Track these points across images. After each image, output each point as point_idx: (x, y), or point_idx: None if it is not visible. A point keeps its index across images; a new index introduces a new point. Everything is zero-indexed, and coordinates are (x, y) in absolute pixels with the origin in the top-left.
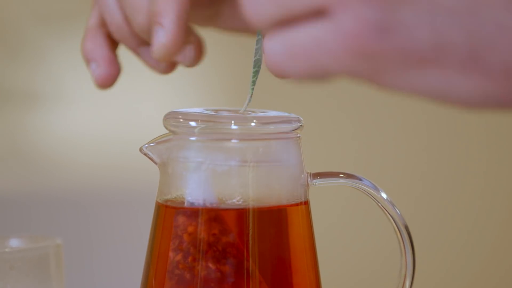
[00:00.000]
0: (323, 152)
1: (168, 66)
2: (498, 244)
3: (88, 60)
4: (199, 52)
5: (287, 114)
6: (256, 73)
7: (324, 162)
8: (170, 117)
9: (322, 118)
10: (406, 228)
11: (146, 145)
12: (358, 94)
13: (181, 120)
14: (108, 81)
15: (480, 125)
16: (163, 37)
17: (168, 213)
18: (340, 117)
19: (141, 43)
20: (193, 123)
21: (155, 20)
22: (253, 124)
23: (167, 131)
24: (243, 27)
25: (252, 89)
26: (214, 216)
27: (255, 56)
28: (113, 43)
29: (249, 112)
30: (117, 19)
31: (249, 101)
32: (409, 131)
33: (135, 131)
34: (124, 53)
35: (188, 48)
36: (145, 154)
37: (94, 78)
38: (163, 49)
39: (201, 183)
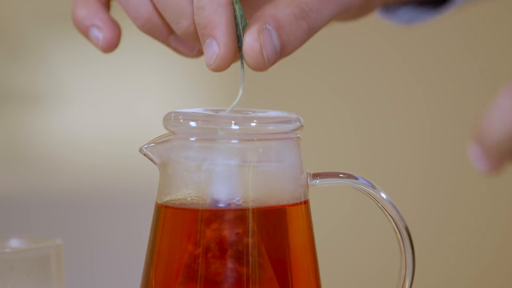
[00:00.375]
0: (323, 152)
1: (200, 51)
2: (499, 244)
3: (85, 27)
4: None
5: (287, 114)
6: (240, 48)
7: (324, 162)
8: (170, 117)
9: (322, 118)
10: (406, 228)
11: (146, 146)
12: (359, 94)
13: (181, 120)
14: (113, 43)
15: None
16: (217, 48)
17: (167, 214)
18: (340, 117)
19: (171, 32)
20: (193, 123)
21: (205, 32)
22: (253, 124)
23: (166, 132)
24: None
25: (243, 67)
26: (214, 216)
27: (237, 31)
28: (107, 7)
29: (249, 112)
30: (146, 14)
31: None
32: (410, 131)
33: (135, 131)
34: (123, 54)
35: None
36: (145, 155)
37: (99, 43)
38: (220, 61)
39: (201, 184)
